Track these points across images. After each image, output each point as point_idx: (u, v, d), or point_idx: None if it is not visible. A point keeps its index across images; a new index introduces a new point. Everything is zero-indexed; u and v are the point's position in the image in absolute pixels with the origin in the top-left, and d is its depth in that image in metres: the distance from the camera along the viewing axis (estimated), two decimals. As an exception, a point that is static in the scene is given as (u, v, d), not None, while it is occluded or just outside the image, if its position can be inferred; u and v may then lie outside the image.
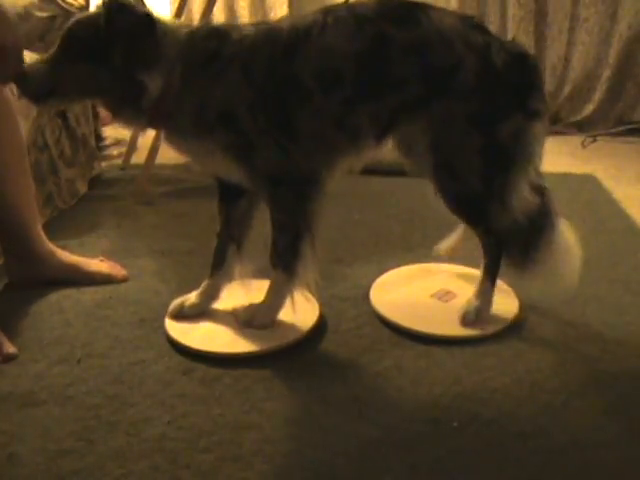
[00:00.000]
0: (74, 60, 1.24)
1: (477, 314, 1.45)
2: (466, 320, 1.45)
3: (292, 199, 1.34)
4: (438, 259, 1.69)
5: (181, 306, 1.48)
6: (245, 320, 1.43)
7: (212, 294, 1.50)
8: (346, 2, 1.39)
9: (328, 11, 1.31)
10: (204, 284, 1.50)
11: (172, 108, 1.28)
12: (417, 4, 1.31)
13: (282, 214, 1.36)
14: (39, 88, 1.26)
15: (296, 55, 1.28)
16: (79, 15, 1.28)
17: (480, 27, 1.34)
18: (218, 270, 1.48)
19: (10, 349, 1.35)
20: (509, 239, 1.44)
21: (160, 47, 1.25)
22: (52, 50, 1.25)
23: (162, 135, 1.36)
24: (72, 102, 1.36)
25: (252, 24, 1.35)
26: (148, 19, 1.24)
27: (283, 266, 1.38)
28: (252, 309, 1.43)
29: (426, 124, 1.33)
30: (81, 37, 1.24)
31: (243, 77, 1.27)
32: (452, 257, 1.67)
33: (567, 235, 1.46)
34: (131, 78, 1.24)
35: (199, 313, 1.48)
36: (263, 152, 1.30)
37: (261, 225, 1.45)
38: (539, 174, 1.41)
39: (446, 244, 1.68)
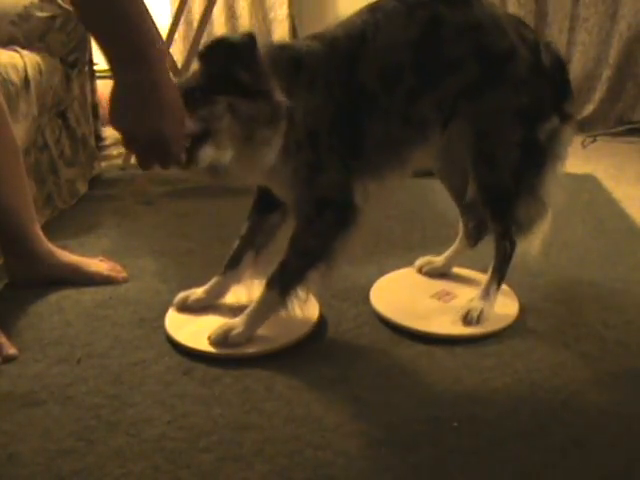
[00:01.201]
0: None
1: (479, 315, 1.45)
2: (468, 319, 1.45)
3: (332, 225, 1.32)
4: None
5: (186, 299, 1.49)
6: (217, 339, 1.35)
7: (219, 292, 1.50)
8: None
9: (375, 8, 1.29)
10: (213, 280, 1.50)
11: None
12: None
13: (313, 239, 1.33)
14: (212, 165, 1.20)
15: (358, 62, 1.26)
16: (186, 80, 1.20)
17: (528, 25, 1.37)
18: (230, 270, 1.48)
19: (10, 350, 1.35)
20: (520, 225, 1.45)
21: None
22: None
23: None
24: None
25: (307, 38, 1.30)
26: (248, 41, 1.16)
27: (281, 288, 1.34)
28: (227, 327, 1.37)
29: (476, 113, 1.33)
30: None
31: (327, 92, 1.25)
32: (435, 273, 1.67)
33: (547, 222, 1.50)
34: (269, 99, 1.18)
35: (202, 308, 1.48)
36: (329, 172, 1.28)
37: (283, 239, 1.41)
38: (560, 174, 1.44)
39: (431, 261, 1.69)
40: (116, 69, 1.10)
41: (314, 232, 1.33)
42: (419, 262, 1.70)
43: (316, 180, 1.29)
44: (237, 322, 1.37)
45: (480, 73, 1.31)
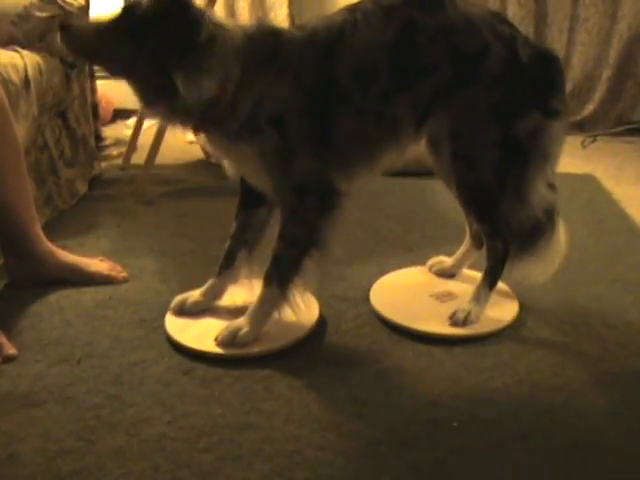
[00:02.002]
0: (120, 32, 1.21)
1: (466, 318, 1.44)
2: (453, 320, 1.45)
3: (315, 211, 1.32)
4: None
5: (183, 302, 1.49)
6: (225, 340, 1.35)
7: (216, 293, 1.50)
8: None
9: (355, 8, 1.32)
10: (209, 282, 1.50)
11: (225, 112, 1.25)
12: None
13: (299, 226, 1.33)
14: (79, 42, 1.26)
15: (334, 57, 1.28)
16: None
17: (507, 21, 1.37)
18: (225, 270, 1.48)
19: (10, 350, 1.35)
20: (514, 232, 1.44)
21: (213, 53, 1.21)
22: (107, 17, 1.23)
23: (205, 137, 1.33)
24: (105, 69, 1.33)
25: (295, 28, 1.34)
26: (184, 7, 1.19)
27: (279, 281, 1.34)
28: (233, 327, 1.37)
29: (451, 113, 1.34)
30: (133, 14, 1.21)
31: (297, 81, 1.26)
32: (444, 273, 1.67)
33: (562, 235, 1.47)
34: (163, 74, 1.20)
35: (201, 310, 1.48)
36: (301, 160, 1.29)
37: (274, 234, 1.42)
38: (553, 173, 1.43)
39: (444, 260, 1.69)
40: None
41: (299, 220, 1.33)
42: (431, 261, 1.69)
43: (290, 167, 1.30)
44: (243, 322, 1.37)
45: (453, 74, 1.31)
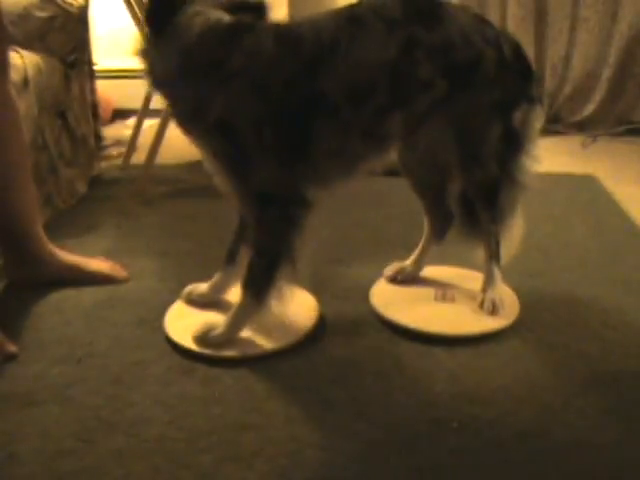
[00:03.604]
0: None
1: (495, 301, 1.48)
2: (494, 309, 1.47)
3: (278, 222, 1.31)
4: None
5: (191, 292, 1.54)
6: (198, 336, 1.37)
7: (221, 287, 1.53)
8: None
9: (352, 17, 1.27)
10: (215, 276, 1.53)
11: (172, 102, 1.28)
12: (437, 1, 1.34)
13: (264, 237, 1.33)
14: None
15: (321, 71, 1.24)
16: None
17: (488, 21, 1.40)
18: (228, 266, 1.51)
19: (11, 348, 1.35)
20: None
21: (172, 36, 1.22)
22: None
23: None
24: None
25: (273, 25, 1.27)
26: None
27: (253, 289, 1.35)
28: (208, 326, 1.38)
29: (451, 118, 1.36)
30: None
31: (252, 92, 1.22)
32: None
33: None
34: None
35: (206, 302, 1.52)
36: (260, 169, 1.28)
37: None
38: (534, 149, 1.48)
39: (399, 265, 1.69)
40: None
41: (263, 230, 1.33)
42: (388, 272, 1.66)
43: (248, 175, 1.28)
44: (219, 323, 1.38)
45: (449, 87, 1.31)
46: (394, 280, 1.65)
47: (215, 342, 1.37)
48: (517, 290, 1.58)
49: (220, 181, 1.35)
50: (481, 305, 1.49)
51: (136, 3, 2.46)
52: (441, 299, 1.57)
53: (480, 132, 1.39)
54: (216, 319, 1.41)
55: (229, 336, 1.38)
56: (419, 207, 1.63)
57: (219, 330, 1.37)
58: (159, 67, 1.26)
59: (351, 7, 1.31)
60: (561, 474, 1.06)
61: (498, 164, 1.41)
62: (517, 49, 1.39)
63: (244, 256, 1.46)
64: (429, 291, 1.60)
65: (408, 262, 1.67)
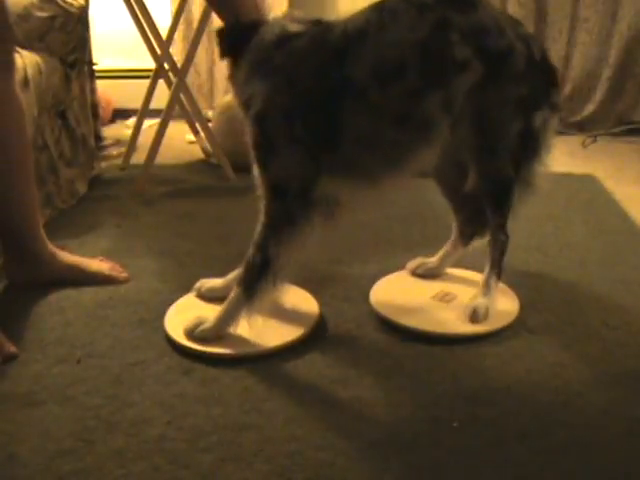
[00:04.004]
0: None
1: (486, 310, 1.46)
2: (475, 316, 1.45)
3: (283, 217, 1.32)
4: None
5: (201, 286, 1.55)
6: (187, 329, 1.38)
7: (232, 285, 1.50)
8: None
9: (381, 7, 1.31)
10: (233, 273, 1.51)
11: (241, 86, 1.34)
12: None
13: (266, 231, 1.33)
14: None
15: (347, 57, 1.27)
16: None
17: (521, 23, 1.43)
18: None
19: (11, 348, 1.35)
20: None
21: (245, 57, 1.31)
22: None
23: None
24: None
25: (309, 24, 1.33)
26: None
27: (245, 288, 1.35)
28: (198, 320, 1.39)
29: (478, 108, 1.36)
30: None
31: (285, 86, 1.28)
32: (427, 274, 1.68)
33: None
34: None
35: (216, 298, 1.51)
36: (284, 159, 1.30)
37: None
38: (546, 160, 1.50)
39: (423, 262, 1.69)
40: None
41: (267, 223, 1.33)
42: (411, 265, 1.69)
43: (270, 164, 1.31)
44: (209, 318, 1.39)
45: (484, 71, 1.33)
46: (412, 273, 1.68)
47: (202, 336, 1.37)
48: (517, 290, 1.58)
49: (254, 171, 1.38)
50: (472, 313, 1.46)
51: (136, 3, 2.46)
52: (441, 299, 1.57)
53: (501, 126, 1.39)
54: (209, 314, 1.41)
55: (217, 331, 1.38)
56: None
57: (207, 324, 1.38)
58: (236, 84, 1.35)
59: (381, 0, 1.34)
60: (561, 474, 1.06)
61: (512, 163, 1.41)
62: (545, 54, 1.42)
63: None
64: (429, 291, 1.60)
65: (432, 258, 1.68)
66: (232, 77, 1.36)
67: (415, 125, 1.33)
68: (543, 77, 1.41)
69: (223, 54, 1.36)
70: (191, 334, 1.38)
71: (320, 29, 1.31)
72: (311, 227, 1.32)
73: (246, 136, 1.34)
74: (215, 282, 1.55)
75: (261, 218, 1.34)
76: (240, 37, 1.32)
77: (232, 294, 1.38)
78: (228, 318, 1.38)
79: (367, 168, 1.36)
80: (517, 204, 1.47)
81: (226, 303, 1.39)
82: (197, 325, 1.38)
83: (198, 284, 1.57)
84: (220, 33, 1.35)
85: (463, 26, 1.30)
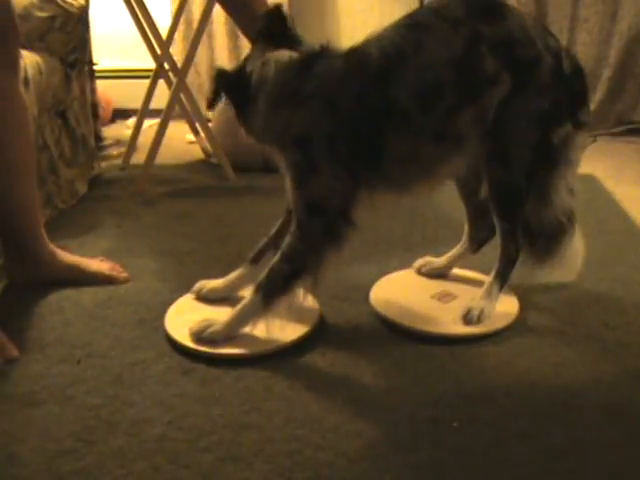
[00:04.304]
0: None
1: (480, 314, 1.45)
2: (468, 318, 1.45)
3: (319, 233, 1.34)
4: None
5: (202, 287, 1.54)
6: (196, 331, 1.37)
7: (238, 285, 1.52)
8: (421, 6, 1.40)
9: (414, 24, 1.31)
10: (234, 273, 1.52)
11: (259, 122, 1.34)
12: (497, 1, 1.36)
13: (299, 244, 1.34)
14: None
15: (391, 80, 1.28)
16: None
17: (552, 33, 1.40)
18: (251, 265, 1.51)
19: (12, 351, 1.35)
20: (538, 233, 1.48)
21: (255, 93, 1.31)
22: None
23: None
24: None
25: (342, 49, 1.34)
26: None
27: (265, 293, 1.35)
28: (208, 322, 1.38)
29: (500, 117, 1.35)
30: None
31: (325, 110, 1.29)
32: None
33: (578, 238, 1.54)
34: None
35: (218, 298, 1.51)
36: (325, 178, 1.32)
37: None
38: (574, 180, 1.49)
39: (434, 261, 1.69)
40: None
41: (302, 238, 1.34)
42: (418, 263, 1.70)
43: (308, 183, 1.32)
44: (219, 320, 1.38)
45: (512, 83, 1.32)
46: (418, 271, 1.68)
47: (211, 338, 1.36)
48: (517, 290, 1.58)
49: (287, 188, 1.37)
50: (466, 314, 1.46)
51: (136, 3, 2.46)
52: (441, 299, 1.57)
53: (515, 134, 1.37)
54: (215, 316, 1.41)
55: (227, 334, 1.37)
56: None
57: (217, 327, 1.37)
58: (253, 123, 1.35)
59: (411, 14, 1.35)
60: (561, 474, 1.06)
61: (525, 173, 1.39)
62: (578, 71, 1.40)
63: (269, 261, 1.46)
64: (429, 291, 1.60)
65: (439, 259, 1.68)
66: (242, 117, 1.35)
67: (450, 140, 1.35)
68: (570, 92, 1.38)
69: (211, 104, 1.34)
70: (199, 336, 1.37)
71: (351, 51, 1.32)
72: (348, 242, 1.35)
73: (275, 160, 1.37)
74: (216, 283, 1.55)
75: (293, 231, 1.35)
76: (239, 82, 1.32)
77: (248, 299, 1.37)
78: (241, 322, 1.38)
79: (403, 180, 1.39)
80: (547, 227, 1.46)
81: (240, 307, 1.38)
82: (206, 327, 1.37)
83: (197, 286, 1.56)
84: (220, 83, 1.32)
85: (493, 38, 1.30)
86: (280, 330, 1.40)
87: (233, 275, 1.53)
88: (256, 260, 1.51)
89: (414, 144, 1.33)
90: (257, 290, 1.36)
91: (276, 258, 1.36)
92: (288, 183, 1.35)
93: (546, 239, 1.48)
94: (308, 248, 1.34)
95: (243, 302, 1.38)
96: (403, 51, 1.28)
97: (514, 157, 1.39)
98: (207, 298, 1.54)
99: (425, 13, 1.36)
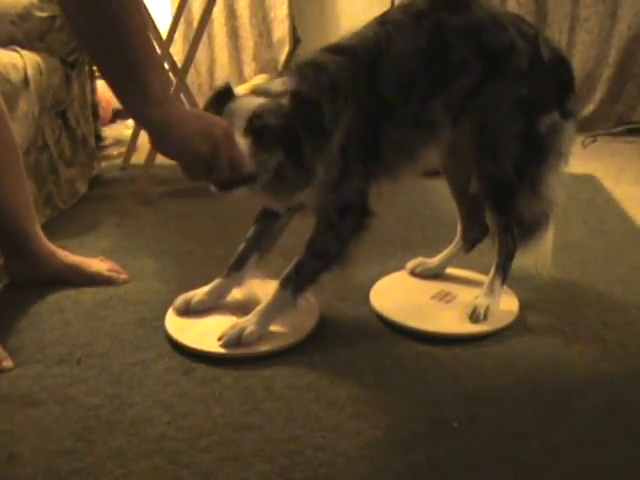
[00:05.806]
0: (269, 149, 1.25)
1: (486, 311, 1.46)
2: (475, 316, 1.45)
3: (351, 228, 1.37)
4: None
5: (188, 301, 1.49)
6: (231, 339, 1.35)
7: (221, 293, 1.50)
8: (392, 6, 1.43)
9: (385, 20, 1.35)
10: (215, 282, 1.50)
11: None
12: None
13: (333, 241, 1.37)
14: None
15: (377, 73, 1.31)
16: (261, 106, 1.25)
17: (528, 22, 1.42)
18: (234, 272, 1.49)
19: (5, 362, 1.31)
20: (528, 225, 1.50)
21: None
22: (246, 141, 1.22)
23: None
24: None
25: (328, 52, 1.33)
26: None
27: (295, 287, 1.37)
28: (239, 327, 1.37)
29: (478, 106, 1.37)
30: (272, 127, 1.24)
31: (355, 107, 1.31)
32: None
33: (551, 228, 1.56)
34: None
35: (205, 310, 1.48)
36: (354, 178, 1.35)
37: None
38: (562, 172, 1.48)
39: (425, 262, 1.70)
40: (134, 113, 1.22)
41: (335, 235, 1.37)
42: (412, 264, 1.70)
43: (342, 186, 1.35)
44: (248, 321, 1.38)
45: (483, 70, 1.34)
46: (411, 272, 1.69)
47: (249, 340, 1.36)
48: (517, 290, 1.58)
49: (306, 200, 1.36)
50: (472, 312, 1.46)
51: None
52: (441, 299, 1.57)
53: (499, 124, 1.38)
54: (232, 320, 1.41)
55: (262, 332, 1.38)
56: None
57: (251, 328, 1.36)
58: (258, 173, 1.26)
59: (382, 15, 1.38)
60: (561, 474, 1.06)
61: (515, 165, 1.40)
62: (561, 58, 1.41)
63: (253, 264, 1.48)
64: (429, 291, 1.60)
65: (432, 260, 1.68)
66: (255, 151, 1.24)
67: (425, 126, 1.38)
68: (553, 79, 1.38)
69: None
70: (235, 342, 1.35)
71: (334, 47, 1.34)
72: (370, 232, 1.39)
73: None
74: (199, 293, 1.49)
75: (321, 230, 1.38)
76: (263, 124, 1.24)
77: (275, 295, 1.38)
78: (271, 318, 1.39)
79: (395, 169, 1.42)
80: (535, 217, 1.47)
81: (268, 304, 1.38)
82: (239, 332, 1.35)
83: (179, 301, 1.49)
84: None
85: (459, 27, 1.32)
86: (280, 330, 1.41)
87: (216, 284, 1.50)
88: (239, 267, 1.49)
89: (401, 132, 1.37)
90: (284, 286, 1.37)
91: (304, 255, 1.38)
92: (316, 195, 1.34)
93: (526, 231, 1.50)
94: (342, 244, 1.37)
95: (270, 299, 1.38)
96: (378, 44, 1.32)
97: (501, 148, 1.40)
98: (195, 310, 1.48)
99: (394, 10, 1.41)
